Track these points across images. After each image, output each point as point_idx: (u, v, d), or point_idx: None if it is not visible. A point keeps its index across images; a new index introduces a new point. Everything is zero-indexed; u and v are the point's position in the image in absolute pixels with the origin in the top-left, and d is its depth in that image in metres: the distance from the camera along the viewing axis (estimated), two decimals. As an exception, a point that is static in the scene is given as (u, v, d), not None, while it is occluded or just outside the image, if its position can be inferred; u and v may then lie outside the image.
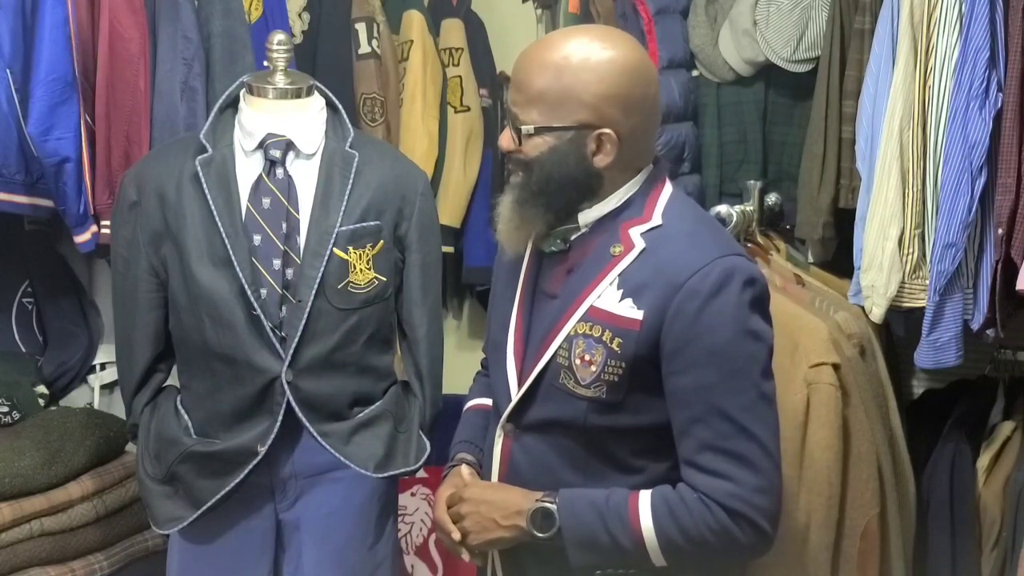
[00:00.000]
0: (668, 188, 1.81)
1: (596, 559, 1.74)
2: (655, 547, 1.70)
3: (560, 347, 1.77)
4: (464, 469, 1.91)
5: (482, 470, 1.91)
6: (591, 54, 1.71)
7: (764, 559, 2.28)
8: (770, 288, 2.39)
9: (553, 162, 1.73)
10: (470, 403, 2.07)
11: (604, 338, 1.73)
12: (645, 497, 1.71)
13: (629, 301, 1.72)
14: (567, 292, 1.78)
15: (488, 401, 1.97)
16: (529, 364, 1.81)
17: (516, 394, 1.81)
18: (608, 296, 1.74)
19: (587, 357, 1.74)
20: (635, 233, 1.75)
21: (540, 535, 1.74)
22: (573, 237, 1.80)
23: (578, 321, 1.75)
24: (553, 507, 1.73)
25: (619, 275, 1.74)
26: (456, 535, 1.86)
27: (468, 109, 3.43)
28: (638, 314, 1.71)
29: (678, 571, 1.76)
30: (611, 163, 1.74)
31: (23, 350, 3.09)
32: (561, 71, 1.71)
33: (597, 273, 1.75)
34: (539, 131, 1.73)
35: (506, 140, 1.79)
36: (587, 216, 1.78)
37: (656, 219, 1.76)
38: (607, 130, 1.71)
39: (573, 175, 1.74)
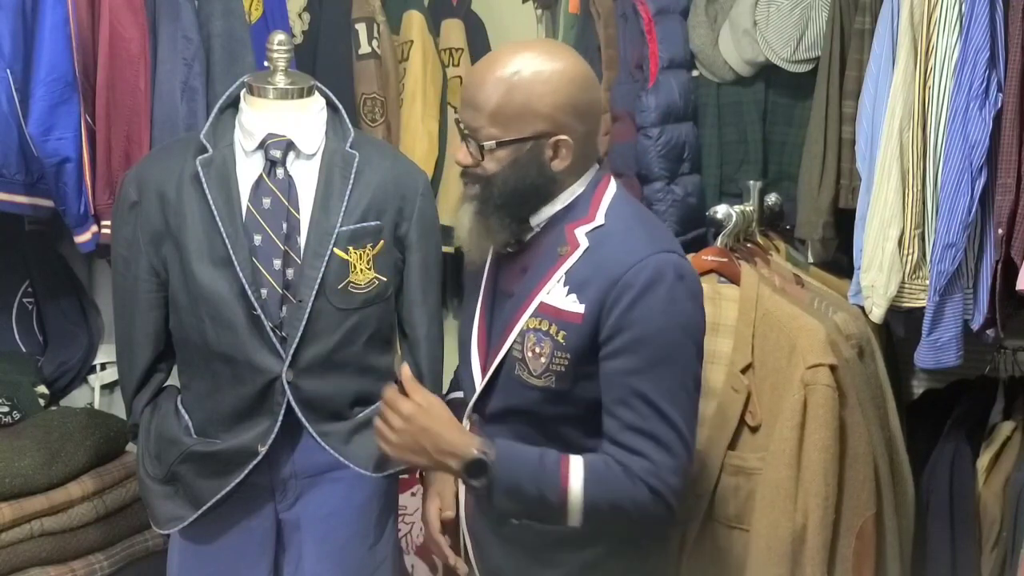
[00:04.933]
0: (611, 187, 1.93)
1: (518, 509, 1.86)
2: (578, 508, 1.82)
3: (515, 341, 1.89)
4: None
5: None
6: (540, 67, 1.83)
7: (760, 558, 2.29)
8: (769, 288, 2.42)
9: (515, 175, 1.86)
10: (447, 397, 2.16)
11: (551, 331, 1.85)
12: (577, 462, 1.82)
13: (574, 296, 1.84)
14: (521, 290, 1.90)
15: (460, 394, 2.09)
16: (491, 358, 1.94)
17: (479, 386, 1.95)
18: (556, 292, 1.85)
19: (537, 350, 1.86)
20: (580, 233, 1.87)
21: (473, 483, 1.84)
22: (527, 238, 1.92)
23: (530, 316, 1.87)
24: (488, 462, 1.82)
25: (565, 273, 1.86)
26: (451, 559, 2.10)
27: (468, 109, 3.43)
28: (580, 308, 1.83)
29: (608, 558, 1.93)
30: (567, 167, 1.86)
31: (23, 350, 3.09)
32: (514, 86, 1.82)
33: (546, 271, 1.87)
34: (501, 145, 1.84)
35: (463, 155, 1.89)
36: (537, 217, 1.91)
37: (599, 219, 1.88)
38: (563, 136, 1.84)
39: (534, 183, 1.87)
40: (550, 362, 1.86)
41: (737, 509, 2.34)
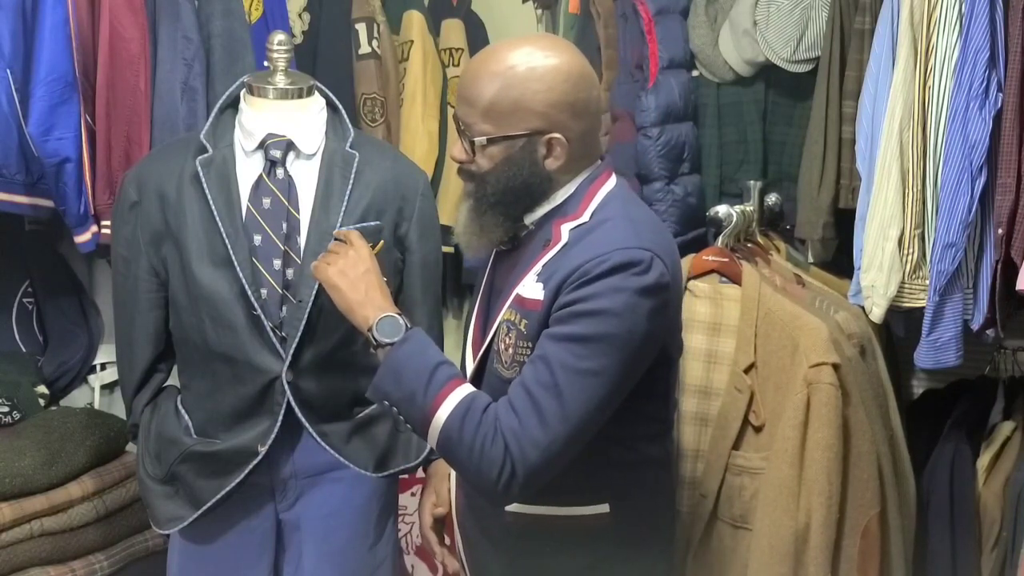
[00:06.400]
0: (609, 184, 1.88)
1: (392, 395, 1.83)
2: (435, 433, 1.78)
3: (494, 335, 1.88)
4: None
5: None
6: (536, 63, 1.80)
7: (763, 557, 2.29)
8: (770, 288, 2.42)
9: (508, 172, 1.83)
10: None
11: (515, 320, 1.83)
12: (460, 393, 1.78)
13: (540, 286, 1.81)
14: (508, 286, 1.88)
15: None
16: (479, 354, 1.93)
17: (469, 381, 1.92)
18: (529, 285, 1.83)
19: (507, 341, 1.85)
20: (565, 229, 1.83)
21: (374, 338, 1.85)
22: (522, 235, 1.90)
23: (506, 309, 1.86)
24: (399, 336, 1.83)
25: (543, 266, 1.82)
26: (440, 555, 2.13)
27: (468, 109, 3.43)
28: (541, 295, 1.80)
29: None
30: (561, 166, 1.83)
31: (23, 350, 3.09)
32: (509, 82, 1.79)
33: (528, 266, 1.85)
34: (492, 142, 1.81)
35: (458, 151, 1.87)
36: (532, 216, 1.88)
37: (585, 216, 1.84)
38: (557, 135, 1.80)
39: (527, 181, 1.83)
40: (515, 352, 1.83)
41: (742, 509, 2.35)
